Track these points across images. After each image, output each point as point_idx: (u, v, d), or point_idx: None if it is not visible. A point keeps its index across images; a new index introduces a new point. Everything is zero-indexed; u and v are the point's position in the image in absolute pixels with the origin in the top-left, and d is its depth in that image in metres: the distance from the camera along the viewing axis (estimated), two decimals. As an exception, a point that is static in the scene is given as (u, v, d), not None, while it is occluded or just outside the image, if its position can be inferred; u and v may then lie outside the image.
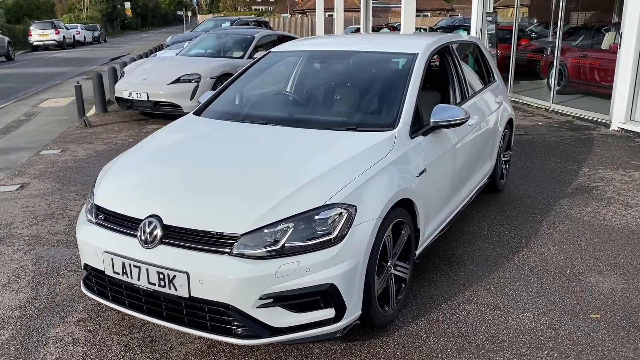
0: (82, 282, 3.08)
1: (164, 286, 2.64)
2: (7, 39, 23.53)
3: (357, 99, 3.74)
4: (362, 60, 4.04)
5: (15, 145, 7.77)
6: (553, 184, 5.63)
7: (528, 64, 12.40)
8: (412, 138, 3.34)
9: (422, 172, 3.30)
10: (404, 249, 3.20)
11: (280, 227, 2.59)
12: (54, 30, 30.67)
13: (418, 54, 3.79)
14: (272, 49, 4.45)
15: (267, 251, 2.55)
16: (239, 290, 2.51)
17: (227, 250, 2.57)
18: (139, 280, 2.71)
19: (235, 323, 2.59)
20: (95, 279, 2.97)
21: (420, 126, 3.50)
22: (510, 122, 5.40)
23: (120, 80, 9.58)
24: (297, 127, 3.44)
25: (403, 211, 3.10)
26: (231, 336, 2.60)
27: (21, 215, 4.88)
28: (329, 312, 2.65)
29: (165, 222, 2.69)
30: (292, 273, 2.54)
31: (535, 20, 13.82)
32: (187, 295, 2.60)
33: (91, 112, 10.03)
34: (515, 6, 11.58)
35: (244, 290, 2.52)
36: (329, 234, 2.62)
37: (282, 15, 50.26)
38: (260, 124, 3.55)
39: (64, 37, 31.51)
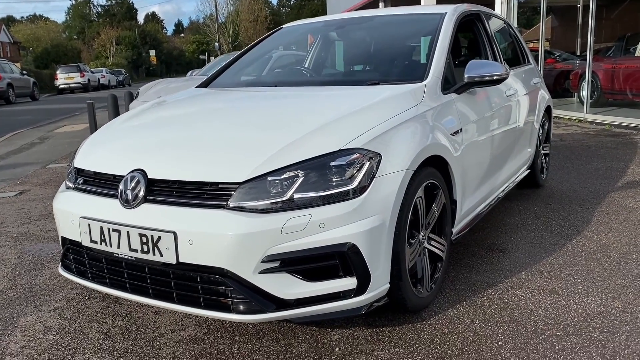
0: (59, 262, 2.62)
1: (147, 252, 2.16)
2: (32, 79, 23.91)
3: (380, 60, 3.30)
4: (384, 24, 3.61)
5: (23, 161, 7.48)
6: (600, 179, 5.05)
7: (555, 82, 11.91)
8: (444, 94, 2.87)
9: (457, 132, 2.80)
10: (439, 220, 2.68)
11: (287, 174, 2.10)
12: (79, 73, 31.24)
13: (446, 12, 3.36)
14: (284, 25, 4.06)
15: (271, 203, 2.06)
16: (237, 249, 2.02)
17: (223, 203, 2.09)
18: (119, 247, 2.23)
19: (233, 296, 2.08)
20: (73, 256, 2.50)
21: (453, 85, 3.02)
22: (548, 111, 4.89)
23: (135, 100, 9.33)
24: (311, 86, 3.00)
25: (436, 173, 2.60)
26: (229, 312, 2.09)
27: (14, 216, 4.48)
28: (350, 282, 2.12)
29: (150, 176, 2.23)
30: (303, 228, 2.04)
31: (557, 52, 13.44)
32: (174, 262, 2.11)
33: (106, 134, 9.77)
34: (541, 27, 11.16)
35: (243, 249, 2.02)
36: (348, 184, 2.12)
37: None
38: (269, 86, 3.12)
39: (88, 80, 32.06)
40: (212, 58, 56.07)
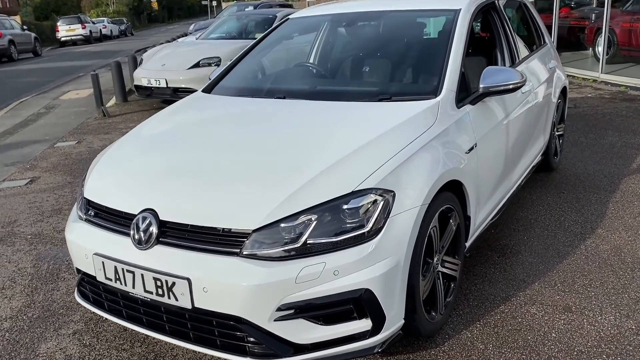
0: (75, 288, 2.64)
1: (163, 295, 2.16)
2: (33, 34, 23.52)
3: (391, 65, 3.18)
4: (394, 21, 3.47)
5: (31, 138, 7.45)
6: (614, 159, 4.96)
7: (570, 34, 11.54)
8: (458, 108, 2.78)
9: (471, 149, 2.73)
10: (453, 241, 2.66)
11: (300, 220, 2.07)
12: (80, 25, 30.70)
13: (460, 9, 3.21)
14: (290, 15, 3.91)
15: (285, 250, 2.05)
16: (251, 300, 2.02)
17: (236, 250, 2.07)
18: (134, 287, 2.24)
19: (249, 339, 2.10)
20: (90, 286, 2.52)
21: (467, 94, 2.93)
22: (564, 91, 4.76)
23: (139, 68, 9.19)
24: (320, 99, 2.92)
25: (451, 196, 2.55)
26: (246, 355, 2.11)
27: (26, 212, 4.50)
28: (365, 324, 2.13)
29: (161, 218, 2.21)
30: (317, 277, 2.03)
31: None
32: (189, 307, 2.12)
33: (111, 102, 9.69)
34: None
35: (258, 300, 2.02)
36: (362, 227, 2.09)
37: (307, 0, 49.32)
38: (277, 98, 3.04)
39: (90, 31, 31.52)
40: (214, 3, 54.62)
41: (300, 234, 2.06)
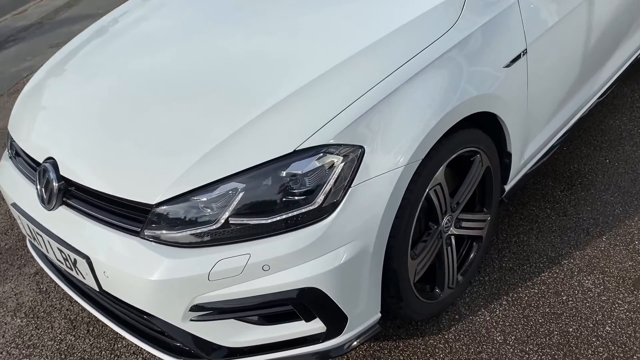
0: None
1: (71, 269, 1.73)
2: None
3: None
4: None
5: (85, 12, 7.08)
6: None
7: None
8: (501, -6, 1.87)
9: (517, 58, 1.86)
10: (479, 191, 1.93)
11: (219, 191, 1.46)
12: None
13: None
14: None
15: (194, 234, 1.47)
16: (154, 297, 1.51)
17: (137, 229, 1.53)
18: (47, 252, 1.83)
19: (168, 335, 1.64)
20: (32, 233, 2.15)
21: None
22: None
23: None
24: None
25: (474, 134, 1.79)
26: (171, 353, 1.66)
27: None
28: (316, 325, 1.57)
29: (61, 172, 1.70)
30: (239, 274, 1.45)
31: None
32: (97, 289, 1.67)
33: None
34: None
35: (161, 298, 1.51)
36: (307, 203, 1.45)
37: None
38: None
39: None
40: None
41: (219, 211, 1.46)
